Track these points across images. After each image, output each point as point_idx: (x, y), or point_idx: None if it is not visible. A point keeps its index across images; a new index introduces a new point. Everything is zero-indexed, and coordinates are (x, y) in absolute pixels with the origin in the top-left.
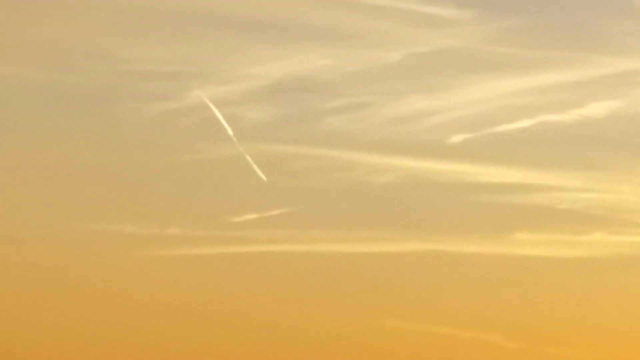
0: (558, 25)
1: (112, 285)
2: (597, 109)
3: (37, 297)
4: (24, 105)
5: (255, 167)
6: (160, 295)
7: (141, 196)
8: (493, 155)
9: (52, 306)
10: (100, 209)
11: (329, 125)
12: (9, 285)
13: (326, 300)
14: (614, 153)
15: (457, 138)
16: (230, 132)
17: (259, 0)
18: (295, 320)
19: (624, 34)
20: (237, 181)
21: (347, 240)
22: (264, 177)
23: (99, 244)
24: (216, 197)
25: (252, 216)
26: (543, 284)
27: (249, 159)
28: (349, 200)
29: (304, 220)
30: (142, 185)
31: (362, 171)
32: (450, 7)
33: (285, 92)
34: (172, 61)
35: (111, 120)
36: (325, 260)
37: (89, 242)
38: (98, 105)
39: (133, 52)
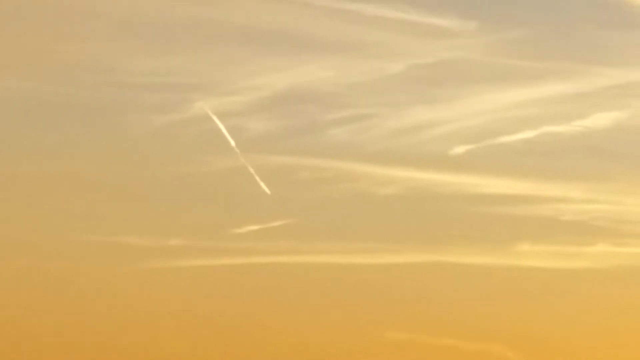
0: (561, 37)
1: (114, 296)
2: (600, 120)
3: (38, 306)
4: (27, 117)
5: (257, 178)
6: (162, 306)
7: (143, 207)
8: (496, 167)
9: (53, 316)
10: (103, 221)
11: (332, 137)
12: (10, 294)
13: (329, 312)
14: (618, 164)
15: (460, 149)
16: (232, 143)
17: (262, 12)
18: (297, 331)
19: (627, 45)
20: (240, 192)
21: (349, 251)
22: (266, 189)
23: (101, 255)
24: (218, 209)
25: (254, 227)
26: (546, 295)
27: (251, 170)
28: (352, 212)
29: (307, 232)
30: (145, 197)
31: (365, 182)
32: (453, 19)
33: (288, 103)
34: (175, 73)
35: (114, 132)
36: (327, 271)
37: (91, 253)
38: (101, 117)
39: (136, 64)
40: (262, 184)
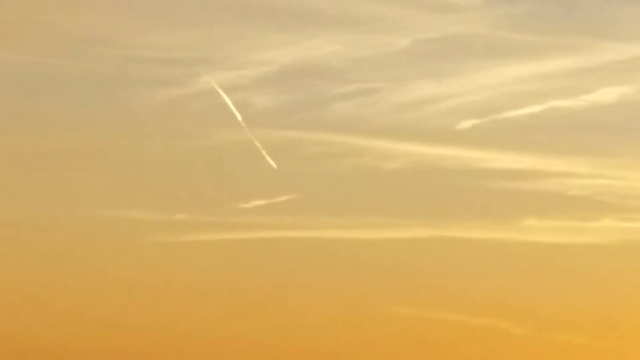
0: (567, 11)
1: (119, 270)
2: (606, 94)
3: (43, 280)
4: (32, 90)
5: (263, 152)
6: (168, 280)
7: (149, 182)
8: (502, 141)
9: (59, 289)
10: (107, 195)
11: (338, 111)
12: (18, 269)
13: (335, 287)
14: (623, 139)
15: (466, 124)
16: (239, 117)
17: None
18: (303, 306)
19: (634, 20)
20: (246, 167)
21: (355, 226)
22: (272, 163)
23: (106, 229)
24: (224, 183)
25: (260, 202)
26: (552, 270)
27: (257, 144)
28: (358, 186)
29: (313, 207)
30: (150, 171)
31: (371, 157)
32: None
33: (294, 77)
34: (181, 47)
35: (120, 105)
36: (333, 246)
37: (95, 227)
38: (107, 91)
39: (142, 37)
40: (268, 159)
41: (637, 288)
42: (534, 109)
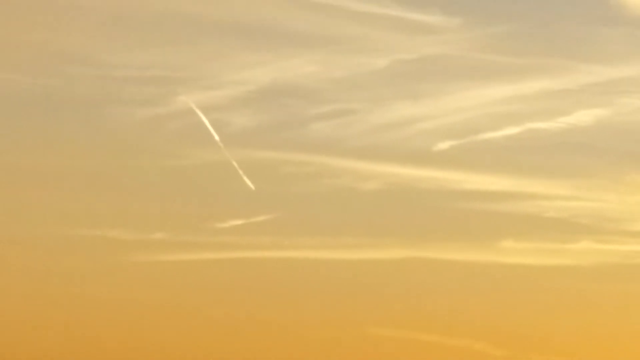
0: (545, 33)
1: (97, 289)
2: (583, 116)
3: (21, 298)
4: (11, 109)
5: (241, 172)
6: (146, 299)
7: (126, 201)
8: (479, 163)
9: (37, 308)
10: (85, 214)
11: (315, 132)
12: None
13: (310, 307)
14: (601, 161)
15: (444, 145)
16: (216, 137)
17: (246, 6)
18: (280, 326)
19: (611, 42)
20: (223, 187)
21: (332, 246)
22: (249, 183)
23: (84, 248)
24: (202, 203)
25: (238, 222)
26: (529, 292)
27: (235, 164)
28: (335, 207)
29: (290, 227)
30: (128, 190)
31: (349, 178)
32: (437, 14)
33: (272, 97)
34: (159, 66)
35: (98, 124)
36: (310, 266)
37: (73, 246)
38: (85, 110)
39: (120, 57)
40: (245, 179)
41: (614, 309)
42: (512, 130)
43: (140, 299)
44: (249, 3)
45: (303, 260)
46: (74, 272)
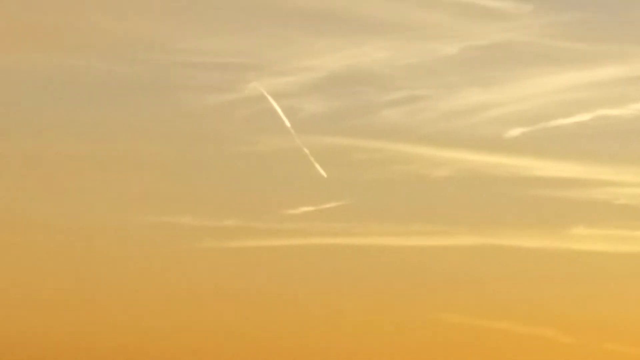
0: (616, 19)
1: (168, 275)
2: None
3: (93, 287)
4: (82, 96)
5: (312, 159)
6: (217, 286)
7: (198, 187)
8: (550, 150)
9: (109, 297)
10: (157, 201)
11: (386, 118)
12: (67, 274)
13: (382, 293)
14: None
15: (515, 132)
16: (287, 123)
17: None
18: (351, 313)
19: None
20: (294, 173)
21: (403, 233)
22: (321, 170)
23: (156, 235)
24: (273, 189)
25: (308, 208)
26: (600, 279)
27: (306, 151)
28: (406, 194)
29: (361, 213)
30: (199, 177)
31: (419, 164)
32: (508, 1)
33: (343, 84)
34: (230, 53)
35: (169, 111)
36: (381, 253)
37: (145, 233)
38: (156, 96)
39: (191, 43)
40: (316, 165)
41: None
42: (583, 117)
43: (210, 285)
44: None
45: (373, 247)
46: (146, 258)
